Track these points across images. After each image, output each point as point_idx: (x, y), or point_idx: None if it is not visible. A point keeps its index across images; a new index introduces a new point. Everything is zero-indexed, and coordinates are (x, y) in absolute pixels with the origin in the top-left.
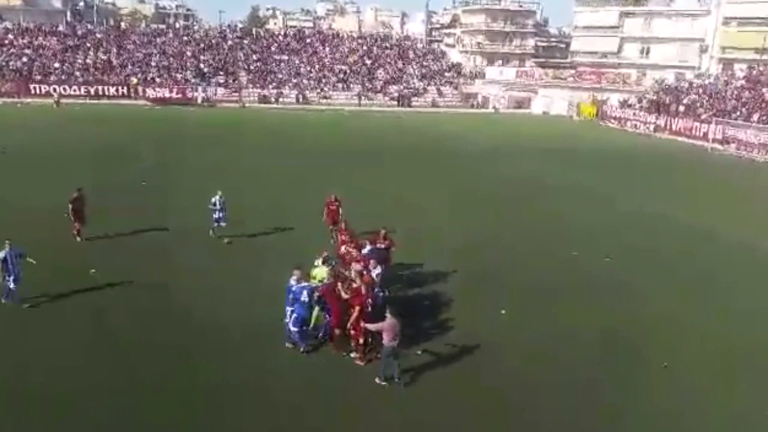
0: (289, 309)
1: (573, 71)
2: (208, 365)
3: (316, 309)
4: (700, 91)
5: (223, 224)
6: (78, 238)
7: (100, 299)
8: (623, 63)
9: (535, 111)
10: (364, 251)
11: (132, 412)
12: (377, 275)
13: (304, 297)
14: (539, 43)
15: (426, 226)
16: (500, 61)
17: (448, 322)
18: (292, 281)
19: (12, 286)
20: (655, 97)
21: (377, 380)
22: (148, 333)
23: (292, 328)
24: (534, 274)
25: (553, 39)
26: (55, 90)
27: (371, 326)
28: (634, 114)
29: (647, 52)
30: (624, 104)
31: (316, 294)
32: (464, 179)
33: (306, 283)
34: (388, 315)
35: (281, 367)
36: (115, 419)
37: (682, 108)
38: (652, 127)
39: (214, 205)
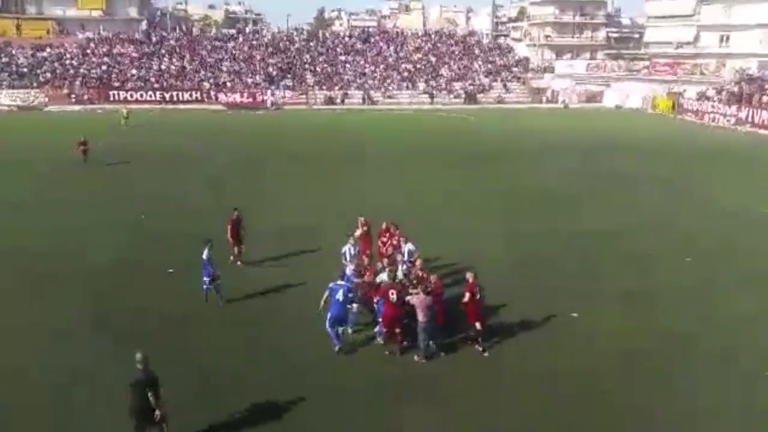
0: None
1: (647, 63)
2: None
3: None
4: None
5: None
6: (238, 263)
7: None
8: (700, 53)
9: (607, 105)
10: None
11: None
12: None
13: (340, 296)
14: (611, 35)
15: (493, 224)
16: (570, 54)
17: (519, 324)
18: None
19: (208, 285)
20: (735, 89)
21: (416, 358)
22: None
23: (328, 329)
24: (607, 271)
25: (625, 30)
26: (126, 100)
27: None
28: (713, 106)
29: (726, 41)
30: (702, 96)
31: (351, 294)
32: (530, 177)
33: (343, 283)
34: (419, 292)
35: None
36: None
37: (766, 99)
38: (732, 119)
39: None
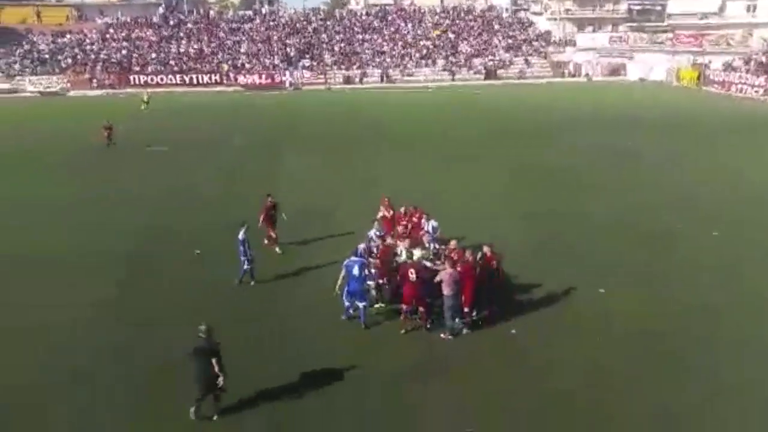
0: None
1: (671, 34)
2: None
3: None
4: None
5: None
6: (276, 249)
7: None
8: (726, 23)
9: (630, 78)
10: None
11: None
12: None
13: (356, 271)
14: (632, 7)
15: (510, 201)
16: (591, 27)
17: (543, 301)
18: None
19: (246, 266)
20: (764, 58)
21: (442, 336)
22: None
23: (345, 302)
24: (633, 248)
25: (647, 2)
26: (147, 84)
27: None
28: (740, 77)
29: (754, 9)
30: (728, 67)
31: (366, 269)
32: (547, 153)
33: (357, 258)
34: (446, 266)
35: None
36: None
37: None
38: (761, 90)
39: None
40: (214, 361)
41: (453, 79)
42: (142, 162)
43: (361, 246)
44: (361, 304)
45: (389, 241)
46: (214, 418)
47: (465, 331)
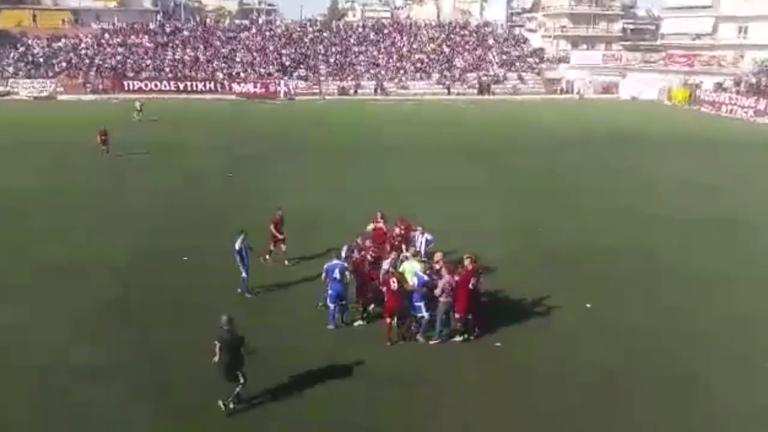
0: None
1: (663, 54)
2: None
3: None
4: None
5: None
6: (285, 261)
7: None
8: (718, 44)
9: (622, 96)
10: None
11: None
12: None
13: (337, 274)
14: (626, 26)
15: (501, 216)
16: (585, 45)
17: (528, 314)
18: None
19: (244, 275)
20: (754, 80)
21: (431, 342)
22: None
23: (329, 304)
24: (620, 264)
25: (641, 21)
26: (141, 90)
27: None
28: (730, 98)
29: (745, 31)
30: (719, 88)
31: (347, 272)
32: (540, 170)
33: (338, 261)
34: (444, 273)
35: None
36: None
37: None
38: (751, 111)
39: None
40: (241, 350)
41: (449, 93)
42: (133, 167)
43: (345, 249)
44: (340, 303)
45: (362, 253)
46: (231, 406)
47: (458, 338)
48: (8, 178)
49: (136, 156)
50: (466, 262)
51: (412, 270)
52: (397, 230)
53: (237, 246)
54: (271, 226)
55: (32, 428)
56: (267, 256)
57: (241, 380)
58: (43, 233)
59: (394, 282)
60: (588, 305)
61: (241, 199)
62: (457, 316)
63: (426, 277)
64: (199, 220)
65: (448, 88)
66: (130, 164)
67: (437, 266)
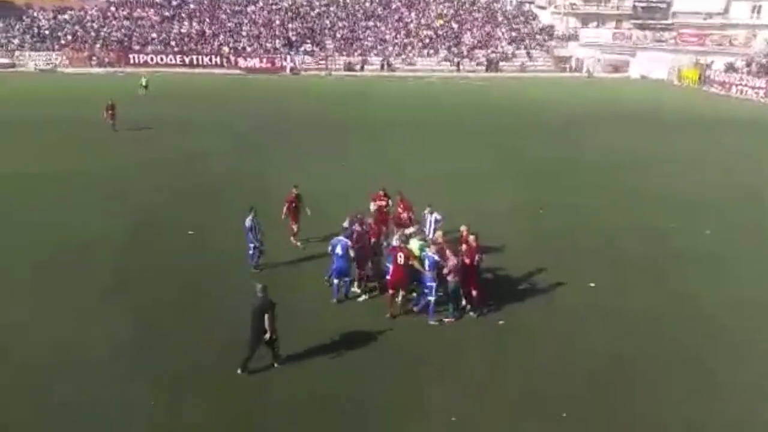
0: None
1: (674, 33)
2: None
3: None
4: None
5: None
6: (298, 243)
7: None
8: (730, 23)
9: (632, 75)
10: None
11: None
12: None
13: (339, 250)
14: (637, 4)
15: (507, 196)
16: (595, 23)
17: (532, 292)
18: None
19: (251, 251)
20: (765, 61)
21: (445, 320)
22: None
23: (334, 280)
24: (624, 244)
25: None
26: (147, 64)
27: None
28: (741, 79)
29: (758, 11)
30: (730, 68)
31: (350, 249)
32: (547, 149)
33: (342, 238)
34: (449, 254)
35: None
36: None
37: None
38: (761, 92)
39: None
40: (266, 316)
41: (459, 70)
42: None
43: (355, 226)
44: (344, 279)
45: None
46: (275, 365)
47: (472, 313)
48: (11, 158)
49: (140, 131)
50: (471, 238)
51: (414, 248)
52: (405, 213)
53: (248, 223)
54: (286, 205)
55: (33, 428)
56: (295, 240)
57: (273, 342)
58: (46, 209)
59: (401, 256)
60: (592, 284)
61: (242, 178)
62: (474, 293)
63: (437, 258)
64: (201, 198)
65: (458, 65)
66: (134, 138)
67: (439, 246)
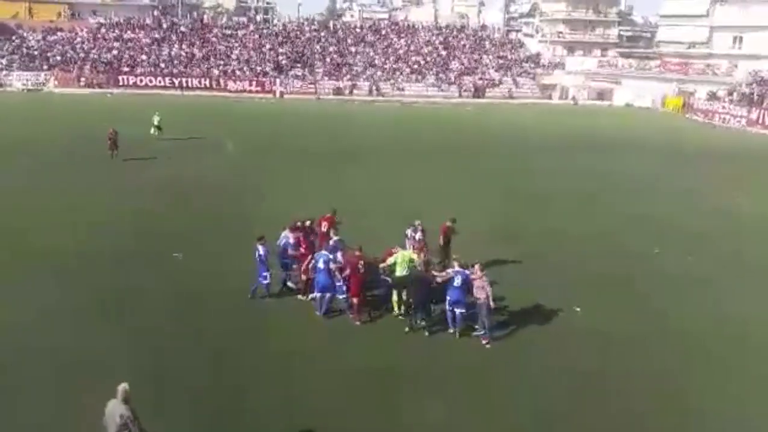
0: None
1: (658, 62)
2: None
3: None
4: None
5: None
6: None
7: None
8: (713, 53)
9: (617, 103)
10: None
11: None
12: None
13: (321, 264)
14: (623, 33)
15: (491, 221)
16: (581, 51)
17: (518, 314)
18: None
19: (266, 282)
20: (747, 90)
21: (484, 342)
22: None
23: (316, 294)
24: (609, 269)
25: (637, 28)
26: (136, 85)
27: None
28: (723, 107)
29: (740, 42)
30: (712, 97)
31: (332, 264)
32: (531, 176)
33: (324, 252)
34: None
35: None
36: None
37: None
38: (743, 121)
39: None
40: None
41: (460, 96)
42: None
43: (334, 239)
44: (327, 294)
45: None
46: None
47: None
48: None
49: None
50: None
51: (405, 258)
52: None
53: (261, 252)
54: (323, 227)
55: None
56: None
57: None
58: (37, 230)
59: (361, 265)
60: (577, 309)
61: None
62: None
63: (468, 272)
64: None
65: (460, 89)
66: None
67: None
